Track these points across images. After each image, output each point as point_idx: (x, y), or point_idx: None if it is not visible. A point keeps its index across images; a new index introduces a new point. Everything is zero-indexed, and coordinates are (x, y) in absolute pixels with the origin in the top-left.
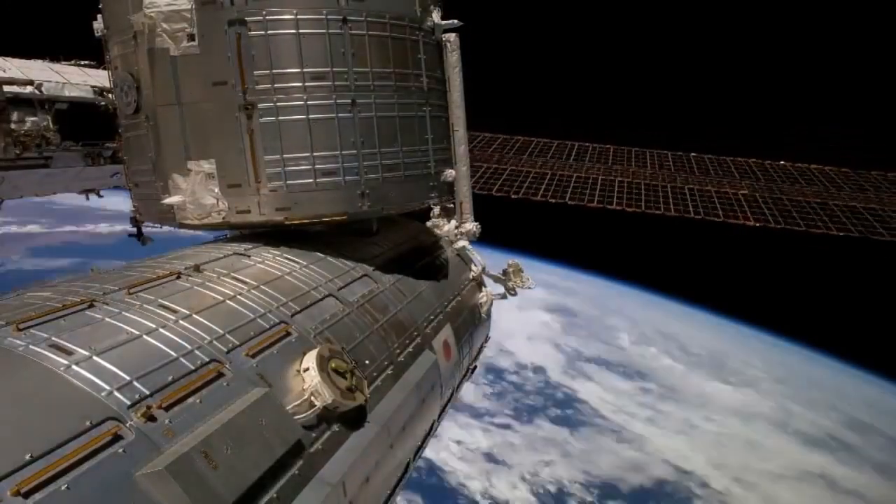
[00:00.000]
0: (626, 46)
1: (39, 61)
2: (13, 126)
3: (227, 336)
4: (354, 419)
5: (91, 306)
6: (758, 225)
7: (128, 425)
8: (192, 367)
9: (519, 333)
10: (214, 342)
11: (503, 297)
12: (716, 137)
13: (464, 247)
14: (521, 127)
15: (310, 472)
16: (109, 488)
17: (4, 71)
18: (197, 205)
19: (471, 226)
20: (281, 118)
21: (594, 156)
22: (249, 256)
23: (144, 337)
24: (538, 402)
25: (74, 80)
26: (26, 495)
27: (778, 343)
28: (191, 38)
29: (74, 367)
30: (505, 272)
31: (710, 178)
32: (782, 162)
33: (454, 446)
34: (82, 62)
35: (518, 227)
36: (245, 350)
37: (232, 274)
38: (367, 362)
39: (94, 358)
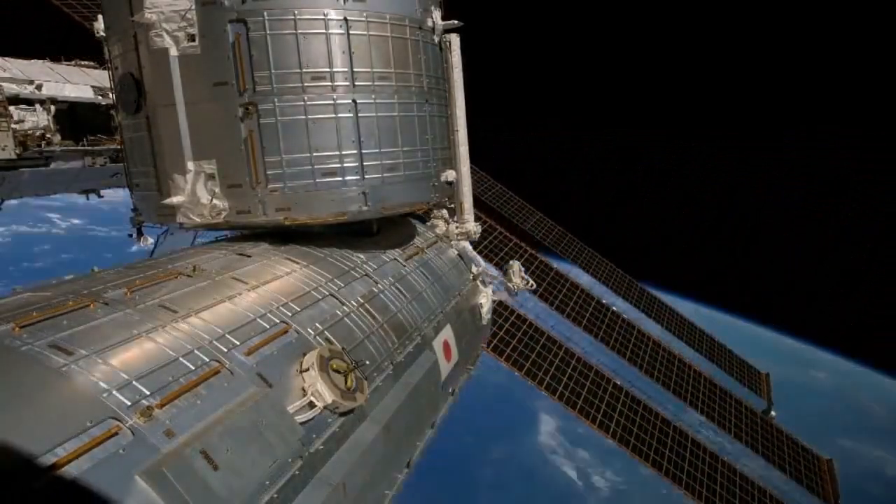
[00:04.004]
0: (625, 46)
1: (40, 61)
2: (14, 126)
3: (227, 336)
4: (354, 419)
5: (91, 306)
6: None
7: (128, 425)
8: (192, 367)
9: None
10: (214, 342)
11: (501, 302)
12: (715, 138)
13: (464, 247)
14: (520, 126)
15: (310, 472)
16: (109, 488)
17: (5, 70)
18: (197, 205)
19: (471, 226)
20: (281, 118)
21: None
22: (249, 256)
23: (144, 337)
24: None
25: (74, 80)
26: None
27: None
28: (191, 38)
29: (74, 366)
30: (505, 272)
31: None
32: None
33: None
34: (82, 62)
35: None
36: (245, 350)
37: (232, 274)
38: (367, 362)
39: (94, 358)
